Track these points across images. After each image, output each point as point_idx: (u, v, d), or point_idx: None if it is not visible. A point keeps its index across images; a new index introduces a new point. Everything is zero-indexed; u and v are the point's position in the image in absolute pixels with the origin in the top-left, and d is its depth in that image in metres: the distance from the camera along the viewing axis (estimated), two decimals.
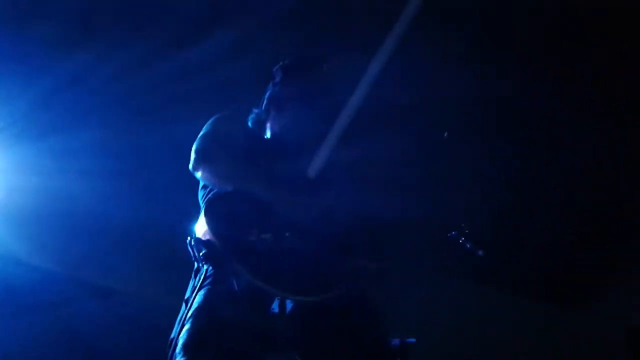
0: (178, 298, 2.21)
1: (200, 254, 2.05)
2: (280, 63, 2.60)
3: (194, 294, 2.11)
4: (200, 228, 2.13)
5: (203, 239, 2.07)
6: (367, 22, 3.62)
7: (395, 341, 2.95)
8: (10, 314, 4.20)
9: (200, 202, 2.41)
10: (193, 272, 2.18)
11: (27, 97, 3.82)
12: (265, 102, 2.59)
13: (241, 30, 3.62)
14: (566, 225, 4.52)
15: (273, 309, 2.06)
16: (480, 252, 2.16)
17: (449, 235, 2.25)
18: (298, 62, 2.58)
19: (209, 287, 2.11)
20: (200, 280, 2.12)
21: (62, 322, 4.32)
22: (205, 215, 2.10)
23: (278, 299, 2.05)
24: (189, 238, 2.12)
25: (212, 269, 2.10)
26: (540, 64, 3.75)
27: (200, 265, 2.12)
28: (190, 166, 2.35)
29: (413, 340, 3.00)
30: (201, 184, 2.45)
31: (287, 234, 2.10)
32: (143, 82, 3.67)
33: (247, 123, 2.62)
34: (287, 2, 3.63)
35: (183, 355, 1.93)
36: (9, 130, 3.88)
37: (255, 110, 2.63)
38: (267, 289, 2.00)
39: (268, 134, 2.57)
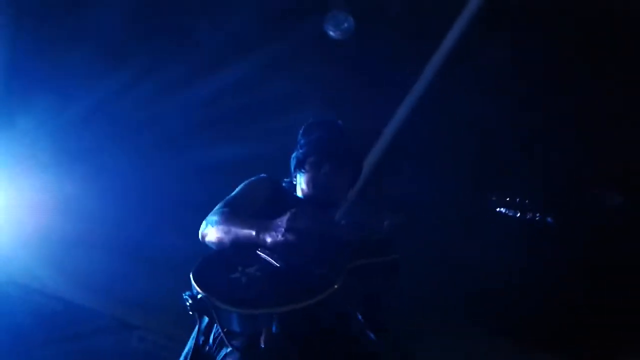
0: None
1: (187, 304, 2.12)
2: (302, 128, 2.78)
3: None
4: None
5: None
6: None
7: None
8: (32, 344, 4.17)
9: None
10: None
11: (57, 124, 3.89)
12: (293, 165, 2.74)
13: (266, 56, 3.64)
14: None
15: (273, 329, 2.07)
16: None
17: None
18: (315, 122, 2.78)
19: (194, 337, 2.25)
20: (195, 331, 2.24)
21: (85, 354, 4.27)
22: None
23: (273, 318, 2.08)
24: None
25: (198, 318, 2.19)
26: None
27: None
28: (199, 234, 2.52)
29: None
30: None
31: (272, 260, 2.24)
32: (167, 109, 3.70)
33: (277, 186, 2.77)
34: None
35: None
36: (37, 157, 3.94)
37: (286, 179, 2.80)
38: (255, 312, 2.06)
39: (300, 194, 2.73)
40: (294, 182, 2.75)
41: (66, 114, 3.88)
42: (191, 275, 2.13)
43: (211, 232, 2.45)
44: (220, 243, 2.41)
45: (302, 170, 2.67)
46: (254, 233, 2.32)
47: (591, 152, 3.91)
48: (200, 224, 2.59)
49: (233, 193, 2.66)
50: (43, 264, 4.16)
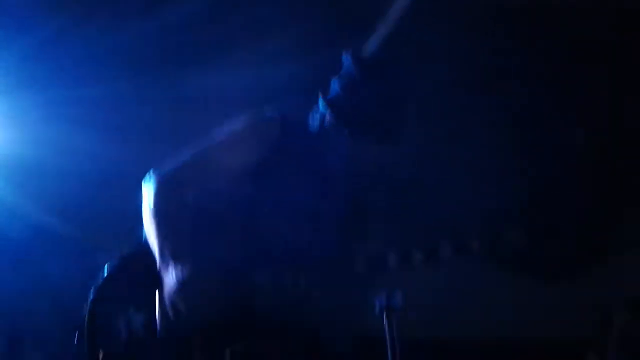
0: None
1: None
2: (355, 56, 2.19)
3: None
4: None
5: None
6: None
7: (381, 298, 3.01)
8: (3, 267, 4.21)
9: None
10: None
11: (23, 46, 3.75)
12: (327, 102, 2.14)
13: None
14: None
15: None
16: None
17: None
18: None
19: None
20: None
21: (53, 277, 4.34)
22: None
23: None
24: None
25: None
26: None
27: None
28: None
29: (401, 296, 3.06)
30: None
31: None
32: (144, 31, 3.59)
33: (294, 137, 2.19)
34: None
35: None
36: (4, 79, 3.82)
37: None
38: None
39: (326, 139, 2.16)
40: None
41: (26, 40, 3.75)
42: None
43: (145, 199, 2.00)
44: (143, 219, 1.98)
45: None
46: (160, 258, 1.87)
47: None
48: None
49: (210, 139, 2.09)
50: (16, 189, 4.15)
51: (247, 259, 1.94)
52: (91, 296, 2.00)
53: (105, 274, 2.02)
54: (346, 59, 2.14)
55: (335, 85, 2.13)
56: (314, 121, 2.14)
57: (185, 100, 3.82)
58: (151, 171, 2.06)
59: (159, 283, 1.87)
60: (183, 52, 3.78)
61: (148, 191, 2.00)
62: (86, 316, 1.97)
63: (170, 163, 2.05)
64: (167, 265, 1.85)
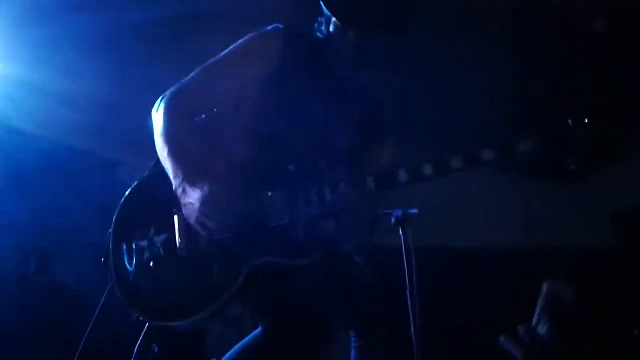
0: None
1: None
2: None
3: None
4: None
5: None
6: None
7: (397, 212, 3.08)
8: (17, 185, 4.29)
9: None
10: None
11: None
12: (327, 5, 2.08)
13: None
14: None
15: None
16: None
17: None
18: None
19: None
20: None
21: (76, 192, 4.42)
22: None
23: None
24: None
25: None
26: None
27: None
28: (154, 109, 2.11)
29: (415, 211, 3.13)
30: None
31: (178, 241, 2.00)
32: None
33: (306, 43, 2.15)
34: None
35: None
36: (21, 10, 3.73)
37: (320, 19, 2.15)
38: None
39: (335, 47, 2.12)
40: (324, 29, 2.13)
41: None
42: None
43: (156, 120, 2.05)
44: (156, 144, 2.03)
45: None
46: (175, 181, 1.92)
47: None
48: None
49: (218, 57, 2.10)
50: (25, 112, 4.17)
51: (260, 172, 1.98)
52: (113, 221, 2.09)
53: (124, 199, 2.11)
54: None
55: None
56: (318, 28, 2.16)
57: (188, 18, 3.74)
58: (160, 98, 2.07)
59: (176, 204, 1.94)
60: None
61: (158, 116, 2.03)
62: (109, 238, 2.07)
63: (178, 84, 2.08)
64: (183, 187, 1.89)
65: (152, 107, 2.12)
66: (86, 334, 2.36)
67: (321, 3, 2.06)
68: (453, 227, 4.67)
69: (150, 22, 3.75)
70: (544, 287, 1.02)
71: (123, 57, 3.98)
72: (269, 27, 2.10)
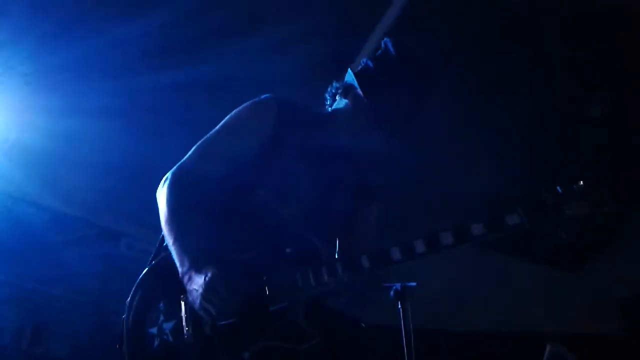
0: None
1: None
2: (393, 39, 2.20)
3: None
4: None
5: None
6: None
7: (397, 285, 3.08)
8: (21, 251, 4.29)
9: None
10: None
11: (35, 37, 3.79)
12: (357, 75, 2.16)
13: None
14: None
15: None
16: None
17: None
18: (412, 53, 2.18)
19: None
20: None
21: (73, 263, 4.43)
22: None
23: None
24: None
25: None
26: None
27: None
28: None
29: (414, 284, 3.13)
30: None
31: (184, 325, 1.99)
32: (160, 21, 3.61)
33: (297, 109, 2.22)
34: None
35: None
36: (18, 69, 3.87)
37: (336, 85, 2.25)
38: None
39: (340, 120, 2.20)
40: (331, 107, 2.24)
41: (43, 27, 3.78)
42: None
43: (160, 202, 2.06)
44: (163, 228, 2.03)
45: (367, 95, 2.08)
46: (182, 268, 1.93)
47: None
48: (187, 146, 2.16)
49: (214, 130, 2.14)
50: (28, 177, 4.22)
51: (262, 255, 1.99)
52: (127, 307, 2.09)
53: (137, 285, 2.11)
54: (385, 41, 2.17)
55: (367, 62, 2.17)
56: (326, 99, 2.24)
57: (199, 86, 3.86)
58: (163, 180, 2.09)
59: (184, 291, 1.95)
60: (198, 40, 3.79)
61: (161, 200, 2.06)
62: (124, 327, 2.05)
63: (178, 164, 2.10)
64: (190, 275, 1.91)
65: (159, 180, 2.13)
66: None
67: (350, 74, 2.15)
68: (447, 307, 4.63)
69: (164, 90, 3.86)
70: (547, 348, 1.02)
71: (136, 126, 4.05)
72: (262, 96, 2.15)
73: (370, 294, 2.13)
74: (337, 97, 2.23)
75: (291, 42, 3.66)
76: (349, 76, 2.17)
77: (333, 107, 2.24)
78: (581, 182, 1.74)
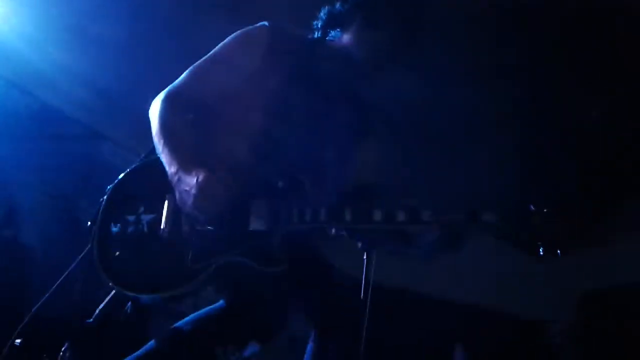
0: None
1: None
2: None
3: None
4: None
5: None
6: None
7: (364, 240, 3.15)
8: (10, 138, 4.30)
9: None
10: None
11: None
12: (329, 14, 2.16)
13: None
14: None
15: None
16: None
17: None
18: None
19: None
20: None
21: (57, 156, 4.44)
22: None
23: None
24: None
25: None
26: None
27: None
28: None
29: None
30: None
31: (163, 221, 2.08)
32: None
33: (296, 40, 2.21)
34: None
35: None
36: None
37: (339, 6, 2.17)
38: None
39: (340, 49, 2.15)
40: (340, 22, 2.14)
41: None
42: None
43: (152, 118, 2.14)
44: (155, 139, 2.11)
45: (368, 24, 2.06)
46: (171, 169, 2.01)
47: None
48: None
49: (206, 56, 2.18)
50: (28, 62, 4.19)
51: (250, 163, 2.07)
52: (106, 192, 2.17)
53: (120, 178, 2.19)
54: None
55: None
56: (317, 28, 2.19)
57: None
58: (156, 99, 2.17)
59: (170, 191, 2.03)
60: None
61: (154, 115, 2.13)
62: (100, 210, 2.15)
63: (171, 85, 2.17)
64: (179, 175, 1.98)
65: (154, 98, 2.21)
66: (44, 298, 2.38)
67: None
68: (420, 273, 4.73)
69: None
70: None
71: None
72: (255, 25, 2.16)
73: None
74: (335, 28, 2.15)
75: None
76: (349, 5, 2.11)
77: (331, 36, 2.17)
78: (555, 204, 1.81)
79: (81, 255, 2.20)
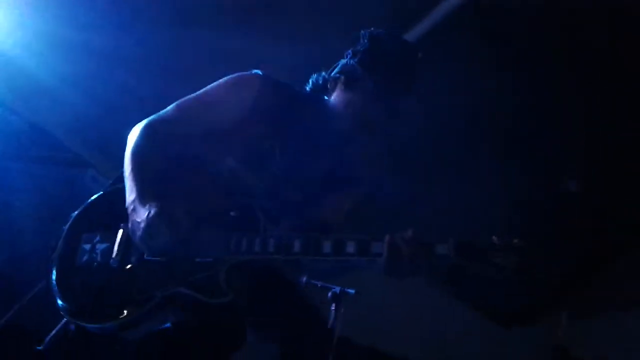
0: None
1: None
2: (371, 31, 2.25)
3: None
4: None
5: None
6: None
7: (336, 288, 3.16)
8: None
9: None
10: None
11: None
12: (338, 68, 2.27)
13: None
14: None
15: None
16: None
17: None
18: (392, 46, 2.24)
19: None
20: None
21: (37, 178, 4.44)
22: None
23: None
24: None
25: None
26: None
27: None
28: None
29: (352, 291, 3.21)
30: None
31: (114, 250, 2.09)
32: None
33: (285, 91, 2.27)
34: None
35: None
36: None
37: (323, 74, 2.32)
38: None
39: (326, 108, 2.26)
40: (326, 85, 2.28)
41: None
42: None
43: (129, 142, 2.15)
44: (124, 163, 2.12)
45: (346, 88, 2.20)
46: (129, 197, 2.02)
47: None
48: None
49: (196, 94, 2.21)
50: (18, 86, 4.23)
51: (206, 210, 2.05)
52: (70, 219, 2.18)
53: (86, 205, 2.23)
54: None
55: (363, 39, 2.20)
56: (314, 82, 2.29)
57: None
58: (138, 125, 2.17)
59: (125, 220, 2.04)
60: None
61: (131, 139, 2.14)
62: (62, 233, 2.15)
63: (156, 114, 2.17)
64: (134, 205, 1.99)
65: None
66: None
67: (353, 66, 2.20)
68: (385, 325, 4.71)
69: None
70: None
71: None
72: (247, 72, 2.21)
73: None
74: (335, 86, 2.25)
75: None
76: (349, 67, 2.21)
77: (330, 96, 2.27)
78: (516, 240, 1.79)
79: (38, 287, 2.19)
